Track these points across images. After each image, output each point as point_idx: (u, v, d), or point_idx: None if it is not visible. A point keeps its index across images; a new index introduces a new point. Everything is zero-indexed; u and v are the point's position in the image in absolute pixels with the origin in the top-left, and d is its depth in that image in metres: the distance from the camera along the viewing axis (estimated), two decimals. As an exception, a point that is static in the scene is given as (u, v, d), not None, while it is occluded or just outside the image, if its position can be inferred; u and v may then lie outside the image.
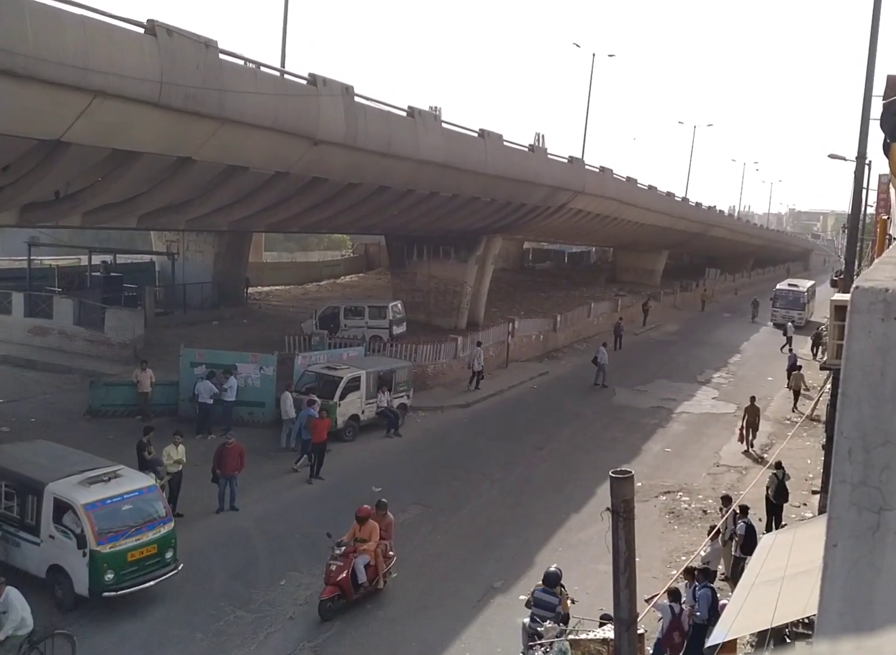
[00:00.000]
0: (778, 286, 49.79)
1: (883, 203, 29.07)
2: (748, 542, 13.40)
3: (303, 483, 17.80)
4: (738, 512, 14.01)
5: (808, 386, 28.78)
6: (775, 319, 46.93)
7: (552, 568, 11.25)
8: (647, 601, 10.38)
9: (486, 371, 28.33)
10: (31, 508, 12.35)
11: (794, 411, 27.01)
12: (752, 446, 22.36)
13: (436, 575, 13.93)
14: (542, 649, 9.82)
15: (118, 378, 23.08)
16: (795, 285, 49.72)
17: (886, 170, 15.83)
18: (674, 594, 11.03)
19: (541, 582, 11.10)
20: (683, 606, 11.21)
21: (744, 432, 22.55)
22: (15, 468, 12.96)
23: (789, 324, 41.29)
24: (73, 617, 11.77)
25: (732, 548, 14.11)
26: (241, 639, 11.53)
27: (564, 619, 10.58)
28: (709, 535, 13.41)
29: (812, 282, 53.95)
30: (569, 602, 11.18)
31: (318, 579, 13.33)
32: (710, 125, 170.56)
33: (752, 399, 23.19)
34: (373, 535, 12.71)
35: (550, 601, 10.76)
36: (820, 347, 36.21)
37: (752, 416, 22.64)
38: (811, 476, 19.67)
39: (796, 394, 27.68)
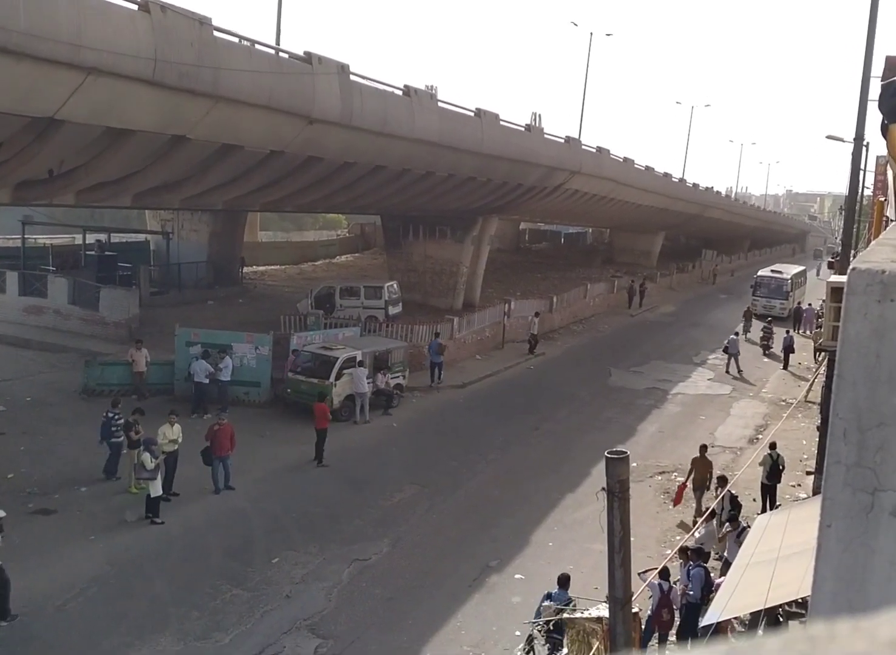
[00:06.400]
0: (759, 272, 44.92)
1: (880, 184, 29.07)
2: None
3: (299, 462, 17.85)
4: (732, 493, 14.06)
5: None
6: (755, 309, 41.16)
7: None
8: (641, 575, 10.45)
9: (482, 351, 28.36)
10: None
11: (816, 362, 29.17)
12: (698, 516, 14.80)
13: (432, 555, 14.01)
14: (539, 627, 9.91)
15: (113, 357, 23.05)
16: (779, 271, 44.77)
17: (884, 152, 15.77)
18: (662, 572, 11.11)
19: None
20: (675, 585, 11.30)
21: (681, 494, 15.76)
22: None
23: None
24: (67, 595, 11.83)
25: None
26: (237, 617, 11.59)
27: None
28: (703, 517, 13.46)
29: (801, 268, 49.36)
30: None
31: (314, 558, 13.42)
32: (707, 105, 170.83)
33: (703, 449, 16.48)
34: None
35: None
36: (801, 322, 37.78)
37: (701, 473, 15.77)
38: (806, 456, 19.77)
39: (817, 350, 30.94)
